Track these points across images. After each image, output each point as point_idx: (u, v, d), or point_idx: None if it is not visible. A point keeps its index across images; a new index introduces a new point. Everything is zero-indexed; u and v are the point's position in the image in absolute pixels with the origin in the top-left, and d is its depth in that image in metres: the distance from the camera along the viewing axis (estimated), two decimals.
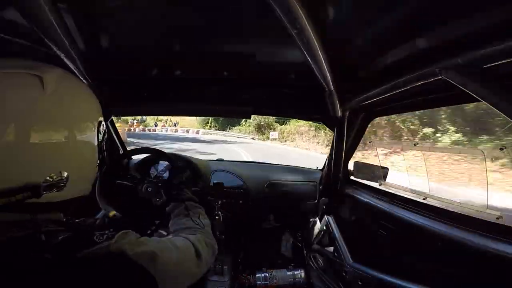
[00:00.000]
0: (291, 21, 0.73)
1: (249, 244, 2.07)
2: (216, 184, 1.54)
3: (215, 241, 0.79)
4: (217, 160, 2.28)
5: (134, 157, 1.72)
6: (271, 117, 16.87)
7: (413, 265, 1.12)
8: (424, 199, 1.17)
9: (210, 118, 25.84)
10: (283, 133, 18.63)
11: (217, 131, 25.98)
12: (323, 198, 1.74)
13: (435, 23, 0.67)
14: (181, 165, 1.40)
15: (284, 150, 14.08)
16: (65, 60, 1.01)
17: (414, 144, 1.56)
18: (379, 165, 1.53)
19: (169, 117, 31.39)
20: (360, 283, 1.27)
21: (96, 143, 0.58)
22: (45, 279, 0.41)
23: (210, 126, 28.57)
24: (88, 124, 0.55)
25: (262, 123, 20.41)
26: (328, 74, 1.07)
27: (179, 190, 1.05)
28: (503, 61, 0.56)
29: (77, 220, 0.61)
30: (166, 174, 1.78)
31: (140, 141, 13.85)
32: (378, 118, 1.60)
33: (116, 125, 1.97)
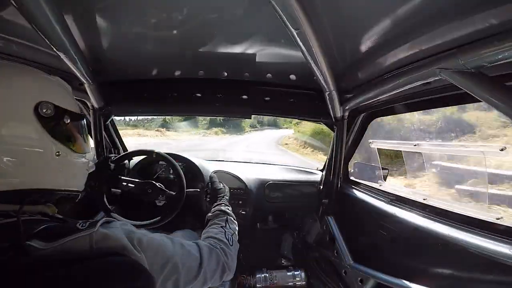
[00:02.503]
0: (291, 21, 0.73)
1: (249, 244, 2.07)
2: None
3: (234, 264, 0.78)
4: (217, 160, 2.28)
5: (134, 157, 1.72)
6: None
7: (413, 265, 1.12)
8: (424, 199, 1.17)
9: None
10: None
11: None
12: (323, 198, 1.74)
13: (435, 23, 0.67)
14: (181, 166, 1.40)
15: None
16: (65, 60, 1.01)
17: (414, 145, 1.56)
18: (379, 165, 1.53)
19: None
20: (360, 283, 1.27)
21: (35, 127, 0.55)
22: (24, 267, 0.41)
23: None
24: (11, 105, 0.53)
25: None
26: (328, 74, 1.07)
27: (224, 201, 1.10)
28: (503, 61, 0.56)
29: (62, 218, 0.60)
30: (166, 175, 1.79)
31: None
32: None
33: None
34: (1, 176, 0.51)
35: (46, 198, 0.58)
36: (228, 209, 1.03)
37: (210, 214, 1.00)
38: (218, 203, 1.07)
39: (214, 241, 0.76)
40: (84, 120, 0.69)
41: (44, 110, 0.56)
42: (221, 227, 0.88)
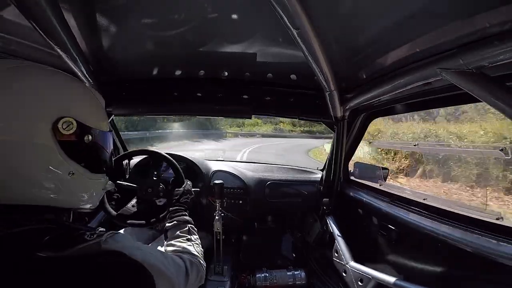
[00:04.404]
0: (291, 21, 0.73)
1: (249, 244, 2.07)
2: (217, 184, 1.54)
3: (204, 271, 0.80)
4: (217, 160, 2.28)
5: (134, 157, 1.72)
6: None
7: (413, 265, 1.12)
8: (424, 199, 1.17)
9: None
10: None
11: None
12: (324, 198, 1.74)
13: (436, 23, 0.67)
14: (181, 166, 1.40)
15: None
16: (67, 60, 1.01)
17: (415, 145, 1.56)
18: (379, 165, 1.53)
19: None
20: (360, 283, 1.27)
21: (49, 144, 0.50)
22: (35, 276, 0.41)
23: None
24: (30, 114, 0.48)
25: None
26: (328, 74, 1.07)
27: (181, 206, 1.05)
28: (504, 61, 0.56)
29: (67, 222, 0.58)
30: (166, 175, 1.79)
31: None
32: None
33: None
34: (8, 189, 0.48)
35: (56, 214, 0.55)
36: (187, 217, 0.99)
37: (168, 224, 0.94)
38: (178, 208, 1.03)
39: (190, 256, 0.77)
40: (111, 136, 0.65)
41: (65, 127, 0.51)
42: (187, 239, 0.86)
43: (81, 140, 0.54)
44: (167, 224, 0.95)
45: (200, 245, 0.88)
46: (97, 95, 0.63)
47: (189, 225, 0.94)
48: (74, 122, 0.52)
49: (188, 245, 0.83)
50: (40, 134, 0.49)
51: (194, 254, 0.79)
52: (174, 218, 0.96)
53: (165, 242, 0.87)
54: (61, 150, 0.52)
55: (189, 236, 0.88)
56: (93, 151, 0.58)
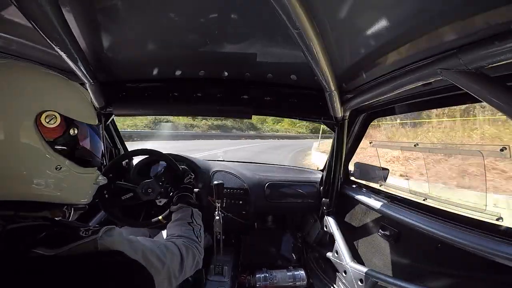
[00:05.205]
0: (291, 21, 0.73)
1: (249, 244, 2.07)
2: (217, 185, 1.54)
3: (202, 256, 0.81)
4: (217, 160, 2.28)
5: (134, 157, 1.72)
6: None
7: (413, 265, 1.12)
8: (424, 200, 1.17)
9: None
10: None
11: None
12: (324, 198, 1.74)
13: (436, 23, 0.67)
14: (182, 165, 1.40)
15: None
16: (67, 60, 1.01)
17: (415, 145, 1.56)
18: (379, 166, 1.53)
19: None
20: (360, 283, 1.27)
21: (34, 138, 0.50)
22: (34, 276, 0.41)
23: None
24: (12, 110, 0.48)
25: None
26: (328, 74, 1.07)
27: (188, 191, 1.08)
28: (503, 61, 0.56)
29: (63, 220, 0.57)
30: (166, 175, 1.79)
31: None
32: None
33: None
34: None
35: (49, 209, 0.55)
36: (191, 200, 1.02)
37: (174, 206, 0.99)
38: (185, 192, 1.07)
39: (187, 240, 0.78)
40: (99, 129, 0.64)
41: (48, 121, 0.51)
42: (188, 223, 0.88)
43: (66, 132, 0.54)
44: (172, 207, 0.99)
45: (202, 227, 0.90)
46: (82, 89, 0.62)
47: (192, 208, 0.96)
48: (58, 116, 0.52)
49: (188, 229, 0.85)
50: (23, 129, 0.49)
51: (192, 239, 0.80)
52: (180, 202, 0.99)
53: (169, 224, 0.90)
54: (46, 144, 0.51)
55: (190, 220, 0.89)
56: (80, 144, 0.58)
